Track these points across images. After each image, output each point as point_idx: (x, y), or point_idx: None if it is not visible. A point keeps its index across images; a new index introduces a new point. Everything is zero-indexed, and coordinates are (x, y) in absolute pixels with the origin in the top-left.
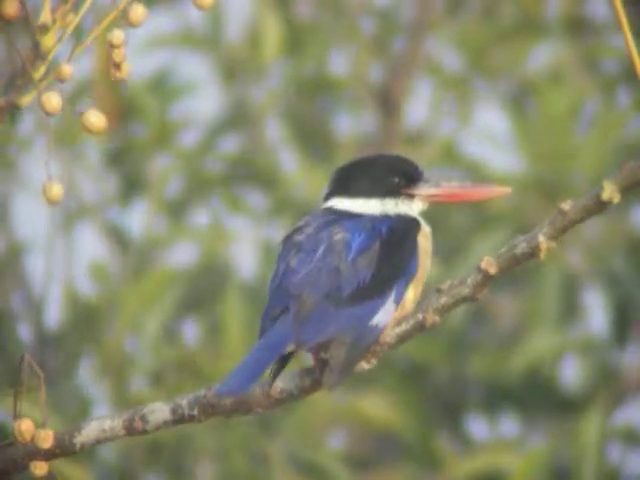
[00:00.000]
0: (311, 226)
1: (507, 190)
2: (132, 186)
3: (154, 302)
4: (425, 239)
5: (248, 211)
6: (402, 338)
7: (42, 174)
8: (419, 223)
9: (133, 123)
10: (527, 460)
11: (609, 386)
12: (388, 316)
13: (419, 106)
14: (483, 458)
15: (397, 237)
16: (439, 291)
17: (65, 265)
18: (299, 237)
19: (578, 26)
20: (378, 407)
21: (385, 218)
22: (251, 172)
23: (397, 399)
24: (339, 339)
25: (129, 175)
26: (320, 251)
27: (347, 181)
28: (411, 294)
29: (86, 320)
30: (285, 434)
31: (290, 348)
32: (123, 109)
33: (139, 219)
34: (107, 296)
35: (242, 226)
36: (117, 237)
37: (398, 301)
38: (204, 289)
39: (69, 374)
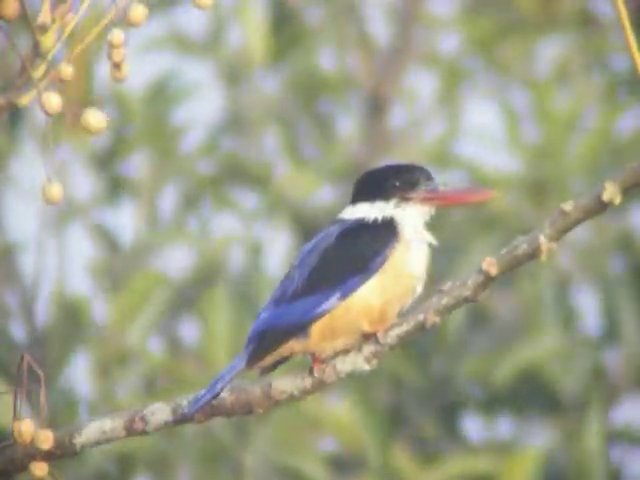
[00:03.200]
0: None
1: (495, 194)
2: (123, 187)
3: (144, 303)
4: (404, 245)
5: (241, 212)
6: (402, 339)
7: (32, 175)
8: (393, 227)
9: (126, 125)
10: (521, 461)
11: (603, 387)
12: (324, 308)
13: (412, 104)
14: (477, 459)
15: (350, 239)
16: (440, 292)
17: (56, 266)
18: (293, 262)
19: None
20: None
21: (350, 222)
22: (244, 173)
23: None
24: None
25: (121, 176)
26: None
27: (357, 190)
28: (372, 294)
29: (76, 320)
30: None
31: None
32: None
33: (130, 221)
34: (98, 297)
35: (234, 227)
36: (108, 238)
37: (344, 296)
38: (195, 291)
39: (59, 374)
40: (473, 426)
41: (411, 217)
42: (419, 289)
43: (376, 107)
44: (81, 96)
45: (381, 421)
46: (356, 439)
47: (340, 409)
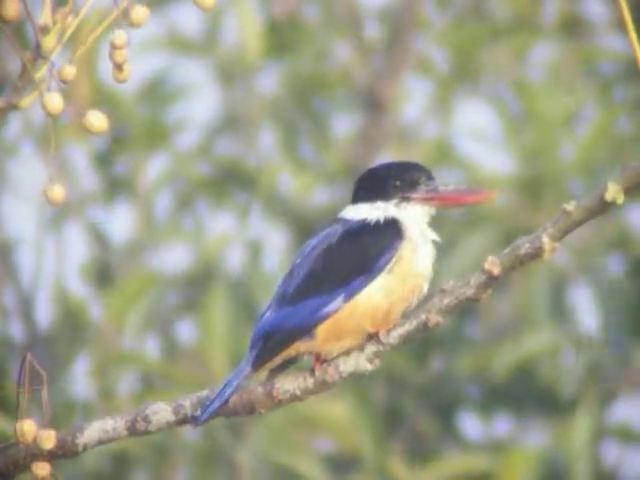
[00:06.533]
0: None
1: (494, 194)
2: (120, 188)
3: (138, 303)
4: (410, 244)
5: (237, 212)
6: (405, 339)
7: (29, 175)
8: (398, 228)
9: (123, 125)
10: (518, 460)
11: (596, 385)
12: (329, 310)
13: (409, 105)
14: (474, 458)
15: (354, 239)
16: (442, 291)
17: (54, 265)
18: (295, 259)
19: (572, 27)
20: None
21: (353, 222)
22: (241, 173)
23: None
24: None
25: (117, 176)
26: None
27: (358, 188)
28: (378, 295)
29: (75, 320)
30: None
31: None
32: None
33: (126, 220)
34: (93, 296)
35: (230, 227)
36: (104, 238)
37: (348, 298)
38: (192, 290)
39: (58, 374)
40: (470, 424)
41: (414, 216)
42: (426, 288)
43: (373, 107)
44: (83, 97)
45: (376, 421)
46: (351, 439)
47: (336, 409)
